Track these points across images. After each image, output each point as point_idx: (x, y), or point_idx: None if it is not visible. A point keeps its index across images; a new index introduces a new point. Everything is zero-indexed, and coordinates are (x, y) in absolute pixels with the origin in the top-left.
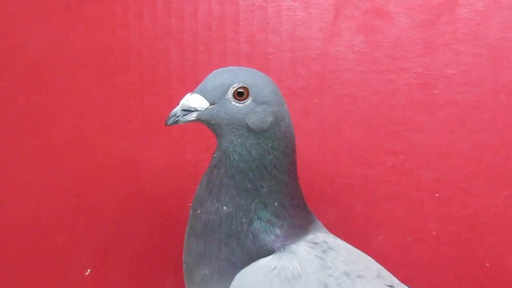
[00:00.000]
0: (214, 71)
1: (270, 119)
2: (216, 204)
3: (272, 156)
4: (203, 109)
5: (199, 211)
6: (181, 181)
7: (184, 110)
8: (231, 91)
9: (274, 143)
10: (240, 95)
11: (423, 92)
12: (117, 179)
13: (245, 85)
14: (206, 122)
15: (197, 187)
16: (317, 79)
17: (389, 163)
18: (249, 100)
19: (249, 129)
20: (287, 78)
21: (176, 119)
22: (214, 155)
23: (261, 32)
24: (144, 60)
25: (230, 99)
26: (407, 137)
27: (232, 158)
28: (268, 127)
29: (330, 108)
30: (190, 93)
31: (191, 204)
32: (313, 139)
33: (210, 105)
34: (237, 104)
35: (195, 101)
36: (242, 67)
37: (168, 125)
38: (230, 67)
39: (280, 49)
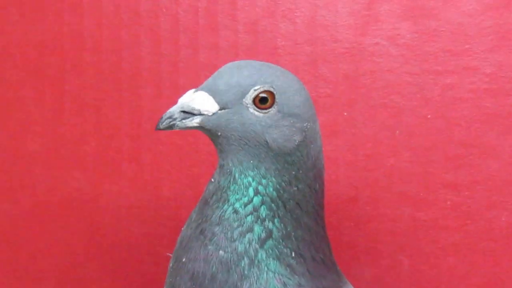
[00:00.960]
0: (230, 64)
1: (298, 138)
2: (210, 247)
3: (295, 189)
4: (210, 114)
5: (184, 260)
6: (156, 224)
7: (184, 111)
8: (251, 94)
9: (300, 172)
10: (263, 101)
11: (495, 102)
12: (66, 222)
13: (271, 89)
14: (210, 132)
15: (182, 229)
16: (346, 84)
17: (448, 202)
18: (273, 110)
19: (268, 148)
20: (304, 82)
21: (172, 122)
22: (213, 179)
23: (267, 17)
24: (103, 57)
25: (249, 105)
26: (474, 165)
27: (238, 185)
28: (293, 149)
29: (364, 124)
30: (193, 90)
31: (171, 254)
32: (341, 167)
33: (220, 109)
34: (257, 113)
35: (201, 101)
36: (267, 63)
37: (161, 129)
38: (252, 61)
39: (294, 40)
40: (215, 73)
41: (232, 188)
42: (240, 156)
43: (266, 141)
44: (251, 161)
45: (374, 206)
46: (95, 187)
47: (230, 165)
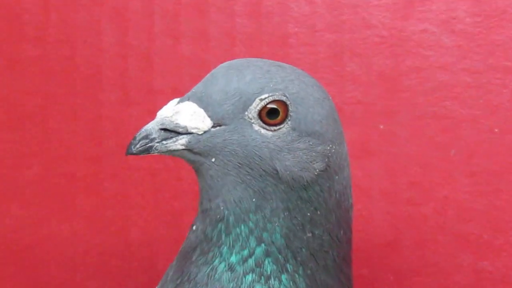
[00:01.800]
0: (226, 64)
1: (318, 166)
2: None
3: (309, 235)
4: (200, 133)
5: None
6: (122, 279)
7: (165, 129)
8: (256, 106)
9: (318, 213)
10: (272, 115)
11: None
12: None
13: (283, 98)
14: (199, 158)
15: None
16: (382, 86)
17: None
18: (285, 127)
19: (277, 179)
20: (327, 82)
21: (149, 144)
22: (194, 227)
23: None
24: (49, 50)
25: (253, 121)
26: None
27: (234, 236)
28: (312, 181)
29: (407, 141)
30: (177, 100)
31: None
32: (377, 200)
33: (214, 126)
34: (264, 131)
35: (188, 115)
36: (277, 63)
37: (133, 153)
38: (256, 60)
39: (311, 26)
40: (207, 77)
41: (225, 240)
42: (237, 192)
43: (276, 170)
44: (253, 199)
45: (421, 253)
46: (39, 227)
47: (222, 208)
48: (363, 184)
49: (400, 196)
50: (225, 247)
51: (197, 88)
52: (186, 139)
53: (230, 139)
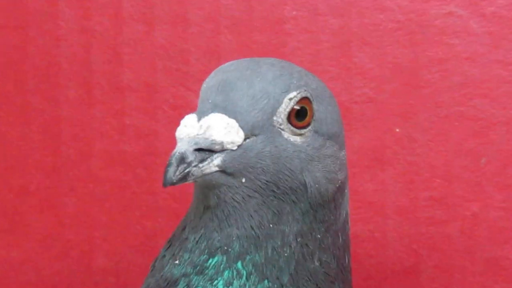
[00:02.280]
0: (234, 64)
1: (341, 175)
2: None
3: (317, 265)
4: (234, 148)
5: None
6: None
7: (200, 150)
8: (286, 108)
9: (327, 235)
10: (300, 116)
11: None
12: None
13: (308, 95)
14: (229, 180)
15: None
16: (398, 81)
17: None
18: (310, 130)
19: (301, 196)
20: (331, 77)
21: (187, 169)
22: (177, 261)
23: None
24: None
25: (282, 126)
26: None
27: (233, 270)
28: (332, 195)
29: (428, 146)
30: (193, 115)
31: None
32: (392, 219)
33: (245, 138)
34: (293, 138)
35: (221, 128)
36: (275, 58)
37: (173, 183)
38: (254, 59)
39: (313, 10)
40: (218, 83)
41: (222, 274)
42: (257, 218)
43: (304, 185)
44: (271, 225)
45: (445, 283)
46: None
47: (233, 238)
48: (375, 200)
49: (420, 214)
50: (221, 283)
51: (214, 96)
52: (221, 158)
53: (263, 152)
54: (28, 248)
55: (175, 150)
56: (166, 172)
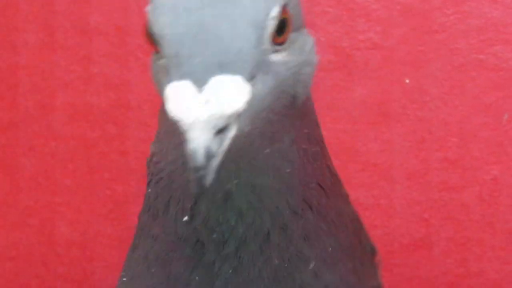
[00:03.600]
0: None
1: (316, 59)
2: None
3: (318, 161)
4: (242, 107)
5: None
6: None
7: (220, 130)
8: (270, 30)
9: (309, 120)
10: (281, 31)
11: None
12: None
13: (284, 2)
14: (241, 144)
15: None
16: (408, 23)
17: None
18: (289, 37)
19: (293, 105)
20: (330, 18)
21: (212, 152)
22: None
23: None
24: None
25: (270, 51)
26: None
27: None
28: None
29: (441, 99)
30: (189, 79)
31: None
32: (398, 183)
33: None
34: (281, 56)
35: (233, 94)
36: None
37: (204, 189)
38: None
39: None
40: (190, 25)
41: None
42: (252, 157)
43: (294, 96)
44: (267, 150)
45: (461, 257)
46: None
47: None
48: (381, 162)
49: (432, 178)
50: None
51: (199, 50)
52: (235, 127)
53: (265, 94)
54: None
55: (194, 145)
56: (197, 178)
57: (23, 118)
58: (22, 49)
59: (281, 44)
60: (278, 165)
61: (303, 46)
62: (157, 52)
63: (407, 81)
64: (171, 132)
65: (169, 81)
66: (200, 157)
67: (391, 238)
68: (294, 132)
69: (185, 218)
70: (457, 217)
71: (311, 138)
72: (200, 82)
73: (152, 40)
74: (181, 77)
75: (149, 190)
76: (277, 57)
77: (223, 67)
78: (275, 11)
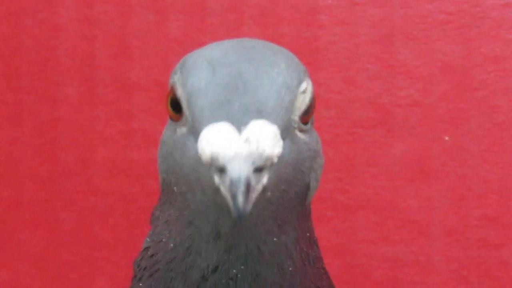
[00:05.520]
0: (228, 51)
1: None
2: None
3: (314, 263)
4: (276, 155)
5: None
6: None
7: (257, 169)
8: (300, 103)
9: (309, 222)
10: (308, 111)
11: None
12: None
13: (311, 83)
14: (274, 199)
15: None
16: (448, 81)
17: None
18: (310, 121)
19: (303, 198)
20: (370, 76)
21: (251, 185)
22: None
23: None
24: None
25: (296, 125)
26: None
27: None
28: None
29: (481, 156)
30: (222, 123)
31: None
32: (436, 240)
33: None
34: (303, 136)
35: (270, 139)
36: (261, 40)
37: (245, 219)
38: (244, 40)
39: None
40: (229, 75)
41: None
42: (261, 237)
43: (308, 186)
44: (274, 239)
45: None
46: None
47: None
48: (420, 219)
49: (471, 235)
50: None
51: (239, 97)
52: (267, 176)
53: (289, 160)
54: (19, 270)
55: (236, 174)
56: (239, 204)
57: (63, 172)
58: (63, 103)
59: (305, 124)
60: (282, 259)
61: (317, 137)
62: (176, 120)
63: (447, 138)
64: (176, 218)
65: (204, 126)
66: (241, 185)
67: None
68: (298, 232)
69: None
70: (496, 275)
71: (311, 241)
72: (239, 123)
73: (174, 107)
74: (218, 119)
75: (140, 284)
76: (301, 135)
77: (262, 114)
78: (304, 86)
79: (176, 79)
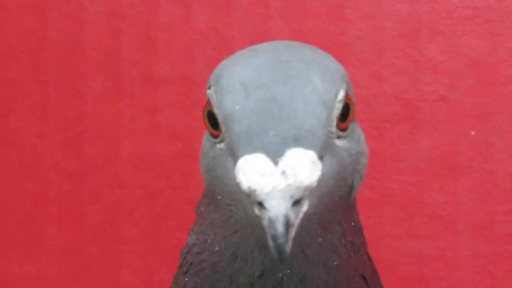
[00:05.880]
0: (261, 70)
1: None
2: None
3: (359, 252)
4: (315, 182)
5: None
6: None
7: (295, 202)
8: (337, 113)
9: (353, 210)
10: (344, 117)
11: None
12: None
13: (347, 88)
14: (314, 223)
15: None
16: (475, 76)
17: None
18: (350, 125)
19: (348, 196)
20: (396, 71)
21: (290, 222)
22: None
23: None
24: (12, 20)
25: (335, 135)
26: None
27: None
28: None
29: (508, 151)
30: (256, 155)
31: None
32: (463, 236)
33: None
34: (343, 143)
35: (307, 169)
36: (298, 46)
37: (286, 259)
38: (277, 44)
39: None
40: (262, 100)
41: None
42: (306, 243)
43: (352, 186)
44: (319, 239)
45: None
46: None
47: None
48: (446, 214)
49: (498, 231)
50: None
51: (273, 124)
52: (307, 203)
53: (330, 175)
54: (44, 263)
55: (274, 213)
56: (279, 245)
57: (89, 166)
58: (88, 97)
59: (344, 130)
60: (328, 256)
61: (359, 136)
62: (215, 136)
63: (473, 133)
64: (221, 223)
65: (240, 155)
66: (280, 225)
67: None
68: (343, 226)
69: None
70: None
71: (356, 230)
72: (275, 155)
73: (212, 122)
74: (254, 150)
75: (186, 279)
76: (340, 143)
77: (298, 142)
78: (341, 94)
79: (210, 95)
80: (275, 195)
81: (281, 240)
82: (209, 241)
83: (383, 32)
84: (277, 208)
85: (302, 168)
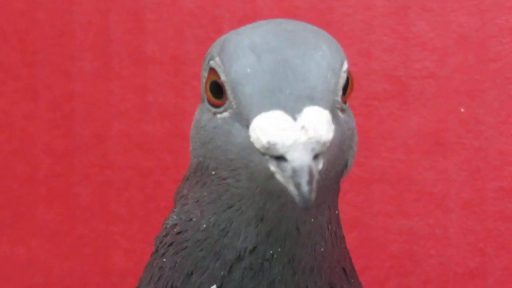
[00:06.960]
0: (270, 36)
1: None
2: None
3: (341, 244)
4: (331, 140)
5: None
6: None
7: (316, 156)
8: (343, 83)
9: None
10: (346, 89)
11: None
12: None
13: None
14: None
15: None
16: (464, 53)
17: None
18: (347, 103)
19: (340, 176)
20: (386, 47)
21: (313, 172)
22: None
23: None
24: (2, 1)
25: (339, 105)
26: None
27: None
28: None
29: (497, 128)
30: (277, 111)
31: None
32: (453, 213)
33: None
34: (343, 116)
35: (325, 125)
36: (299, 22)
37: (311, 208)
38: (294, 25)
39: None
40: (274, 62)
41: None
42: (300, 220)
43: (346, 164)
44: (312, 219)
45: None
46: None
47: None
48: (436, 191)
49: (488, 208)
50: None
51: (288, 84)
52: (322, 161)
53: (336, 142)
54: (34, 245)
55: (298, 163)
56: (304, 193)
57: (78, 146)
58: (78, 77)
59: (344, 103)
60: (317, 240)
61: (352, 114)
62: (218, 105)
63: (463, 110)
64: (210, 200)
65: (256, 114)
66: (305, 174)
67: (446, 268)
68: (331, 211)
69: (213, 287)
70: None
71: (338, 221)
72: (293, 111)
73: (215, 92)
74: (271, 107)
75: (164, 260)
76: (342, 115)
77: (313, 100)
78: (346, 65)
79: (214, 65)
80: (298, 147)
81: (307, 188)
82: (194, 219)
83: (371, 9)
84: (300, 159)
85: (321, 124)
